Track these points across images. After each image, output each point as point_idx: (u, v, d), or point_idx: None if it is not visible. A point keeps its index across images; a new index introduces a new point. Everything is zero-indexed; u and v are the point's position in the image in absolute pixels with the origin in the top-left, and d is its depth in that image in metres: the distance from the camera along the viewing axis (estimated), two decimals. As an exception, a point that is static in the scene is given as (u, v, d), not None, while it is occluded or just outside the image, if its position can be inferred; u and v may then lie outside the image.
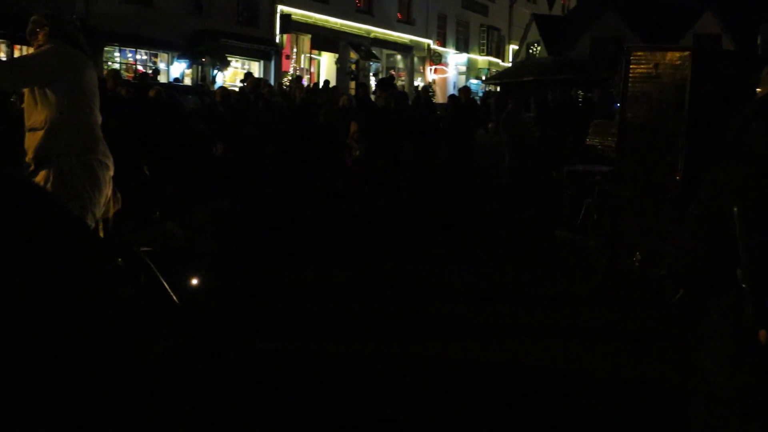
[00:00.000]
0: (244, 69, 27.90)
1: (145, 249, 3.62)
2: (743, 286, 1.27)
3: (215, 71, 27.07)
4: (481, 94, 37.53)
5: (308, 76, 32.04)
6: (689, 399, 2.04)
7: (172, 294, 3.11)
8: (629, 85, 6.90)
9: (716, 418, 1.93)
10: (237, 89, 14.97)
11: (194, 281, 3.96)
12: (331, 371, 4.66)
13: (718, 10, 36.64)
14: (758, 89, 1.84)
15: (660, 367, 4.88)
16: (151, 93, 11.10)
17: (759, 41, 34.62)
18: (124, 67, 25.55)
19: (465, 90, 14.84)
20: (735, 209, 1.11)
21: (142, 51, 26.31)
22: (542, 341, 5.35)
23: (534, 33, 41.57)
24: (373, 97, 15.50)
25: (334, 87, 19.64)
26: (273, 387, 4.42)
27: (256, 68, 29.66)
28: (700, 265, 1.82)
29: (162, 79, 24.24)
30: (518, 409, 4.21)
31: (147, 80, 16.64)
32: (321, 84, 23.70)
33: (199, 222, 6.55)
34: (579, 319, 5.96)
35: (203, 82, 25.53)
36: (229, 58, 27.86)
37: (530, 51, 42.34)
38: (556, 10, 44.65)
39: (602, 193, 8.76)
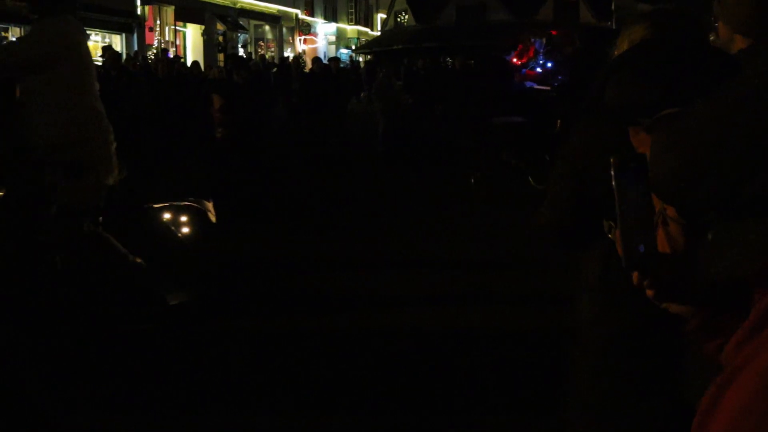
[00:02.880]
0: (105, 43, 26.67)
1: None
2: (610, 236, 1.35)
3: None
4: (345, 61, 37.48)
5: (173, 49, 30.99)
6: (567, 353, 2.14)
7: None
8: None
9: (590, 368, 2.04)
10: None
11: None
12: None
13: (575, -23, 38.05)
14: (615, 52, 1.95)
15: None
16: None
17: (613, 7, 36.22)
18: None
19: (335, 60, 14.82)
20: (612, 160, 1.18)
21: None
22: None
23: (401, 1, 41.86)
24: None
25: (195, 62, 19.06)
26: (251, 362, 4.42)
27: (118, 42, 28.39)
28: (564, 219, 1.93)
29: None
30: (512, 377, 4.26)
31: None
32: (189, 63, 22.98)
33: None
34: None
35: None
36: (88, 32, 26.54)
37: (398, 19, 42.63)
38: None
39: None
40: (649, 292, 1.22)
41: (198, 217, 4.75)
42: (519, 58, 14.79)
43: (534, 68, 14.73)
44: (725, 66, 1.44)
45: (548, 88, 13.14)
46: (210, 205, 4.75)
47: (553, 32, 15.68)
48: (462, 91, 11.49)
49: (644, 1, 31.15)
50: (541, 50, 15.05)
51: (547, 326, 4.84)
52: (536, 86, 13.22)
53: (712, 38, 1.99)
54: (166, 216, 4.73)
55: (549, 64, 14.43)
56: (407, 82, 17.24)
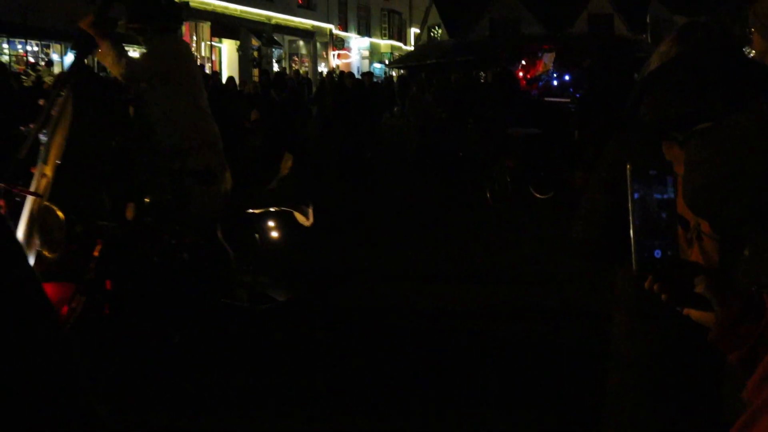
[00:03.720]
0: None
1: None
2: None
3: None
4: (380, 75, 37.63)
5: (209, 65, 31.39)
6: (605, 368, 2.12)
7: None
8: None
9: (624, 383, 2.02)
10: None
11: None
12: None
13: (610, -10, 37.87)
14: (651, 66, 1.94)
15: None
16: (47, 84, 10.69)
17: (648, 19, 35.96)
18: (14, 59, 24.41)
19: (368, 74, 14.89)
20: (628, 166, 1.19)
21: (33, 42, 25.16)
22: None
23: (434, 16, 41.99)
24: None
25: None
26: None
27: (154, 57, 28.86)
28: (597, 234, 1.91)
29: (56, 70, 23.27)
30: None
31: (39, 73, 15.99)
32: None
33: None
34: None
35: (106, 73, 24.65)
36: (127, 48, 26.98)
37: (431, 34, 42.76)
38: (455, -7, 45.16)
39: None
40: (664, 297, 1.23)
41: (291, 223, 4.97)
42: (526, 72, 14.82)
43: (550, 81, 14.78)
44: (760, 79, 1.43)
45: (567, 100, 13.20)
46: (310, 210, 4.96)
47: (545, 46, 15.80)
48: (485, 104, 11.55)
49: (680, 13, 30.88)
50: (552, 64, 15.13)
51: (584, 340, 4.83)
52: (553, 99, 13.29)
53: (747, 50, 1.98)
54: (268, 221, 4.98)
55: (566, 77, 14.49)
56: (440, 96, 17.23)
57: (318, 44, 40.93)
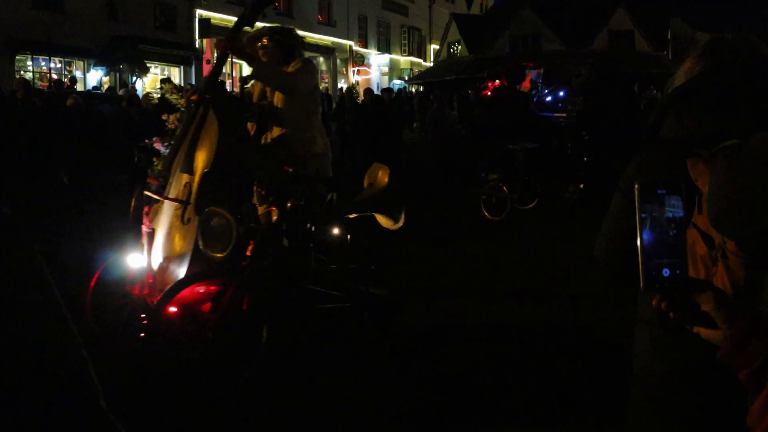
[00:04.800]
0: (164, 75, 27.39)
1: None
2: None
3: (134, 78, 26.47)
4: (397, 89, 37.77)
5: (230, 81, 31.65)
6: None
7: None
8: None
9: (645, 401, 2.00)
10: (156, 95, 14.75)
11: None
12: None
13: (630, 7, 37.80)
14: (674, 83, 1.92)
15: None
16: (69, 102, 10.82)
17: (669, 35, 35.88)
18: (37, 76, 24.76)
19: (388, 90, 14.95)
20: (636, 186, 1.19)
21: (56, 59, 25.53)
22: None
23: (454, 32, 42.13)
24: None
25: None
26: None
27: (176, 74, 29.17)
28: (616, 251, 1.90)
29: (79, 87, 23.57)
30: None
31: (62, 89, 16.19)
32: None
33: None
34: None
35: (127, 89, 24.97)
36: (148, 65, 27.30)
37: (451, 50, 42.89)
38: (475, 9, 45.35)
39: None
40: (672, 315, 1.22)
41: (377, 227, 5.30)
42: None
43: (543, 97, 14.99)
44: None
45: (563, 114, 13.42)
46: (402, 214, 5.18)
47: (529, 63, 16.15)
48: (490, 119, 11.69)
49: (702, 30, 30.78)
50: (539, 81, 15.34)
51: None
52: (546, 114, 13.54)
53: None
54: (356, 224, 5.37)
55: (561, 93, 14.72)
56: (461, 112, 17.25)
57: (338, 60, 41.17)
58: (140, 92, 21.29)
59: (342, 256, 5.26)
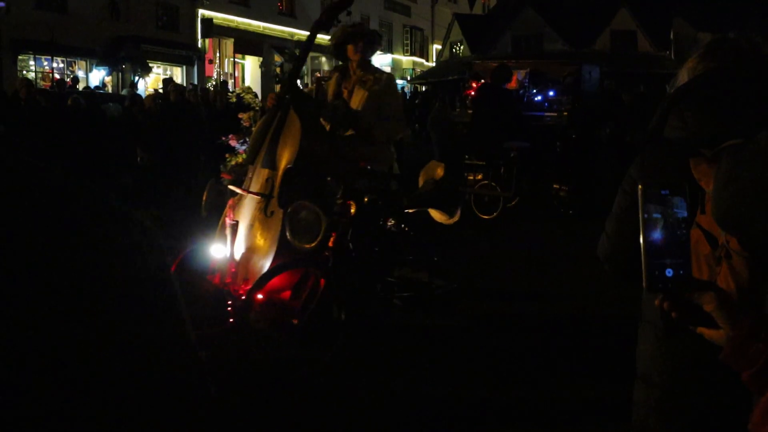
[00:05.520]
0: (166, 75, 27.38)
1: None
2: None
3: (136, 78, 26.46)
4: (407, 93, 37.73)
5: (232, 81, 31.67)
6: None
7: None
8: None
9: (650, 401, 1.99)
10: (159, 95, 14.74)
11: None
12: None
13: (633, 7, 37.70)
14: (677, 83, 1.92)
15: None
16: (69, 102, 10.83)
17: (671, 36, 35.80)
18: (40, 75, 24.77)
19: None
20: (639, 186, 1.19)
21: (59, 59, 25.53)
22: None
23: (456, 32, 42.03)
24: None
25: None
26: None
27: (178, 73, 29.17)
28: (619, 252, 1.90)
29: (82, 86, 23.58)
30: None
31: (65, 89, 16.20)
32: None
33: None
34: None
35: (131, 89, 24.97)
36: (150, 64, 27.31)
37: (453, 50, 42.80)
38: (477, 9, 45.30)
39: None
40: (674, 315, 1.22)
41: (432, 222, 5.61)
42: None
43: (531, 97, 14.99)
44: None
45: (553, 113, 13.46)
46: (458, 210, 5.48)
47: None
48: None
49: (704, 30, 30.73)
50: (526, 81, 15.35)
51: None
52: (533, 113, 13.61)
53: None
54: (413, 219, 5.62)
55: (551, 93, 14.73)
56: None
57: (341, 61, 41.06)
58: (142, 92, 21.29)
59: (408, 248, 5.55)
